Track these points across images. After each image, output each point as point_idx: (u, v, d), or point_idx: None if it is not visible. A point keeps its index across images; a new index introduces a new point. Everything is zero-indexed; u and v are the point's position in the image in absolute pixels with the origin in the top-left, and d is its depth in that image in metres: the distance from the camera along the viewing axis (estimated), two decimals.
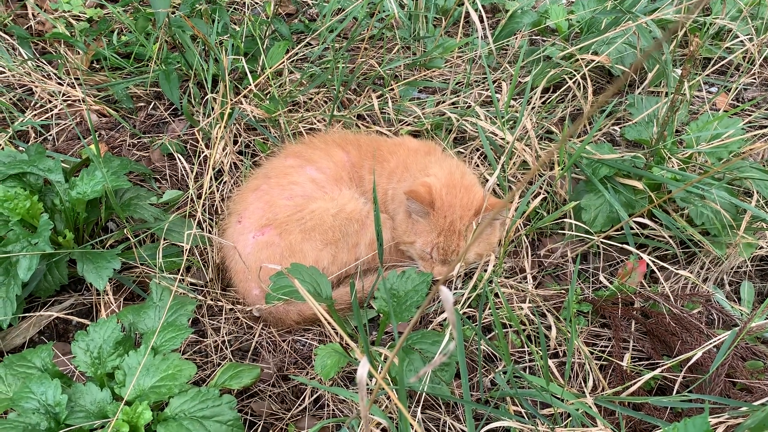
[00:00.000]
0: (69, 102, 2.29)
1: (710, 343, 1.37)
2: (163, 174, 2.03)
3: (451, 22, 2.63)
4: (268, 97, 2.08)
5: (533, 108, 2.00)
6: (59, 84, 2.29)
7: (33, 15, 2.69)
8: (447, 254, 1.63)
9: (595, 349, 1.54)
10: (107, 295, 1.63)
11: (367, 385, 1.45)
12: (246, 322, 1.67)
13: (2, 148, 1.97)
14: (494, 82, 2.23)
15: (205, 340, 1.63)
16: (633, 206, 1.63)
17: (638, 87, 1.91)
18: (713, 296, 1.60)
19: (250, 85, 1.93)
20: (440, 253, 1.63)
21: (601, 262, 1.67)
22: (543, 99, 2.06)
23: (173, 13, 1.99)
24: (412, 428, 1.20)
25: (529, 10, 2.45)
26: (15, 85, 2.30)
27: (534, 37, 2.16)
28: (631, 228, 1.64)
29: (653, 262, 1.52)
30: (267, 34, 2.33)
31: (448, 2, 2.68)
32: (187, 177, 1.87)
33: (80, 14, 2.70)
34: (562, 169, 1.70)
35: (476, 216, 1.59)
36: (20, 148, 2.00)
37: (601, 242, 1.66)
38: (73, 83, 2.34)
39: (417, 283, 1.43)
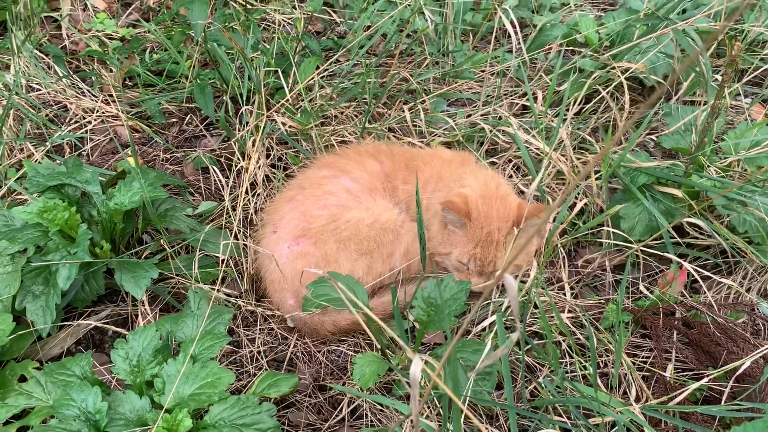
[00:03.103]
0: (103, 118, 2.32)
1: (758, 353, 1.34)
2: (197, 187, 2.04)
3: (480, 36, 2.64)
4: (300, 111, 2.10)
5: (566, 119, 1.99)
6: (93, 100, 2.33)
7: (67, 35, 2.75)
8: (484, 265, 1.61)
9: (636, 360, 1.51)
10: (143, 305, 1.63)
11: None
12: (281, 333, 1.66)
13: (40, 161, 2.00)
14: (525, 94, 2.23)
15: (240, 350, 1.62)
16: (673, 215, 1.60)
17: (673, 96, 1.90)
18: (758, 306, 1.57)
19: (286, 97, 1.94)
20: (477, 265, 1.61)
21: (640, 272, 1.64)
22: (576, 110, 2.05)
23: (208, 27, 2.02)
24: None
25: (558, 24, 2.45)
26: (51, 102, 2.34)
27: (565, 49, 2.15)
28: (671, 237, 1.61)
29: (695, 271, 1.49)
30: (297, 50, 2.36)
31: (476, 18, 2.70)
32: (222, 189, 1.88)
33: (113, 33, 2.75)
34: (599, 178, 1.69)
35: (515, 226, 1.58)
36: (57, 162, 2.03)
37: (641, 251, 1.63)
38: (107, 99, 2.38)
39: (455, 291, 1.41)
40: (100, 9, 2.90)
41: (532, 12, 2.77)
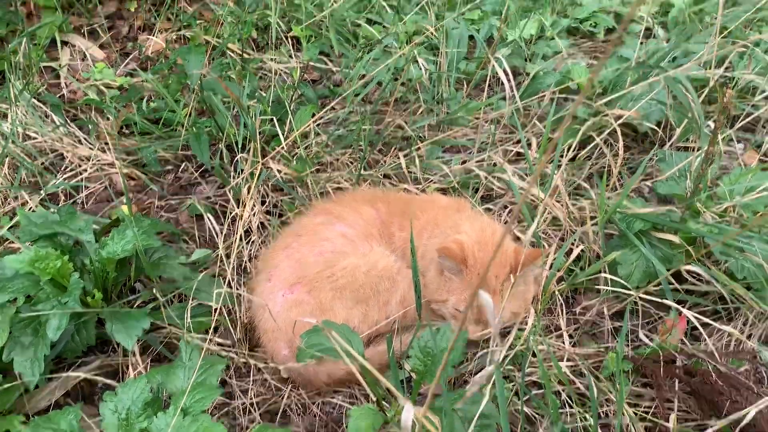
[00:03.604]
0: (99, 166, 2.32)
1: (762, 402, 1.31)
2: (191, 235, 2.03)
3: (474, 84, 2.67)
4: (295, 158, 2.10)
5: (561, 165, 2.00)
6: (90, 148, 2.33)
7: (65, 84, 2.78)
8: (481, 313, 1.59)
9: (638, 410, 1.48)
10: (134, 356, 1.60)
11: None
12: (274, 384, 1.63)
13: (34, 210, 1.99)
14: (520, 140, 2.24)
15: (232, 402, 1.59)
16: (670, 260, 1.59)
17: (667, 143, 1.91)
18: (760, 353, 1.54)
19: (281, 144, 1.95)
20: (474, 312, 1.59)
21: (639, 319, 1.62)
22: (570, 156, 2.05)
23: (205, 76, 2.04)
24: None
25: (550, 71, 2.49)
26: (47, 150, 2.35)
27: (558, 96, 2.18)
28: (670, 283, 1.59)
29: (695, 318, 1.47)
30: (293, 98, 2.38)
31: (470, 66, 2.74)
32: (216, 236, 1.87)
33: (111, 82, 2.78)
34: (595, 224, 1.68)
35: (512, 273, 1.56)
36: (51, 210, 2.02)
37: (640, 298, 1.61)
38: (103, 148, 2.39)
39: (452, 340, 1.39)
40: (99, 58, 2.94)
41: (525, 60, 2.82)
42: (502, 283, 1.58)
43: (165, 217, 2.15)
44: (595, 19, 3.18)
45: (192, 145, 2.05)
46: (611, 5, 3.31)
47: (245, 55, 2.59)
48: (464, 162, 2.16)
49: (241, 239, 1.86)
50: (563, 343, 1.62)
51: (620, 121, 1.77)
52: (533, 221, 1.65)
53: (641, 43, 2.98)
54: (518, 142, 2.27)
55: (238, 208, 1.87)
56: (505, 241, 1.64)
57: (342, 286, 1.61)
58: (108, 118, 2.53)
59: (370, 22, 3.09)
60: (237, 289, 1.73)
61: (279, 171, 1.91)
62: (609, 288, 1.61)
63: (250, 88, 2.06)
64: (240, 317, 1.73)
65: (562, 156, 2.04)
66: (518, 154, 2.23)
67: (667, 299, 1.55)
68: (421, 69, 2.30)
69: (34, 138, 2.35)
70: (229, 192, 1.90)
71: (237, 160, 1.96)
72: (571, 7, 3.29)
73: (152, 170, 2.32)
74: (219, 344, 1.67)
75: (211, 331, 1.64)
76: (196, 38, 2.09)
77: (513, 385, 1.51)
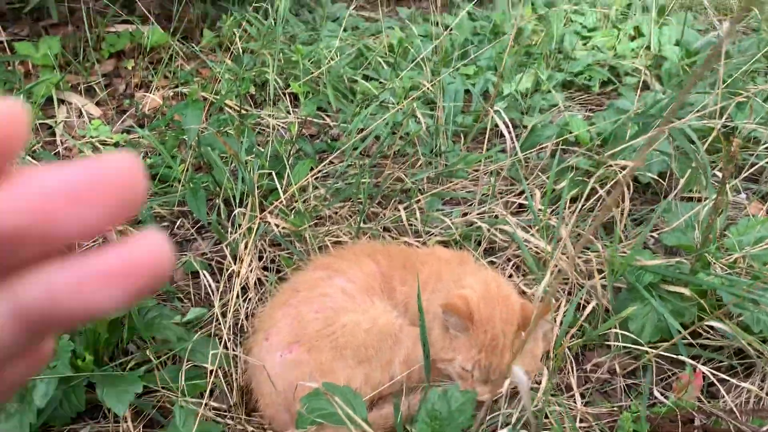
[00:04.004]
0: None
1: None
2: (186, 292, 1.97)
3: (472, 137, 2.67)
4: (293, 212, 2.07)
5: (564, 218, 1.97)
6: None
7: (61, 141, 2.76)
8: (490, 372, 1.52)
9: None
10: (126, 421, 1.52)
11: None
12: None
13: None
14: (522, 192, 2.22)
15: None
16: (682, 314, 1.54)
17: (672, 192, 1.89)
18: None
19: (279, 198, 1.92)
20: (482, 372, 1.53)
21: (653, 376, 1.56)
22: (572, 207, 2.03)
23: (202, 131, 2.02)
24: None
25: (548, 124, 2.49)
26: None
27: (557, 147, 2.17)
28: (683, 337, 1.54)
29: (711, 373, 1.42)
30: (291, 153, 2.36)
31: (467, 119, 2.74)
32: (212, 294, 1.81)
33: (107, 139, 2.77)
34: (603, 277, 1.64)
35: (519, 330, 1.51)
36: None
37: (655, 354, 1.55)
38: None
39: (461, 402, 1.33)
40: (95, 116, 2.94)
41: (522, 113, 2.83)
42: (510, 339, 1.52)
43: None
44: (590, 72, 3.21)
45: (189, 202, 2.01)
46: (605, 59, 3.35)
47: (243, 111, 2.59)
48: (465, 214, 2.13)
49: (237, 296, 1.81)
50: (575, 402, 1.55)
51: (625, 172, 1.75)
52: (540, 274, 1.61)
53: (638, 96, 3.01)
54: (520, 193, 2.24)
55: (235, 264, 1.82)
56: (511, 295, 1.60)
57: (342, 345, 1.55)
58: None
59: (366, 78, 3.12)
60: (233, 349, 1.66)
61: (277, 225, 1.87)
62: (620, 344, 1.55)
63: (248, 143, 2.04)
64: (236, 379, 1.65)
65: (565, 208, 2.02)
66: (520, 205, 2.20)
67: (680, 355, 1.49)
68: (419, 123, 2.30)
69: None
70: (226, 248, 1.85)
71: (234, 215, 1.92)
72: (565, 61, 3.34)
73: (148, 227, 2.28)
74: (214, 409, 1.60)
75: (206, 394, 1.57)
76: (193, 94, 2.09)
77: None
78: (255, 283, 1.91)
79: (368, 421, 1.32)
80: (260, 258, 2.00)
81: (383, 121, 2.33)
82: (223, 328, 1.69)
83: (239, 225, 1.84)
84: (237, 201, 1.98)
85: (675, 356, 1.48)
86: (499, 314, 1.54)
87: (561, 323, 1.54)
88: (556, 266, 1.76)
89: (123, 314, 1.53)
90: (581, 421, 1.49)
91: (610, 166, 1.81)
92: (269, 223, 1.87)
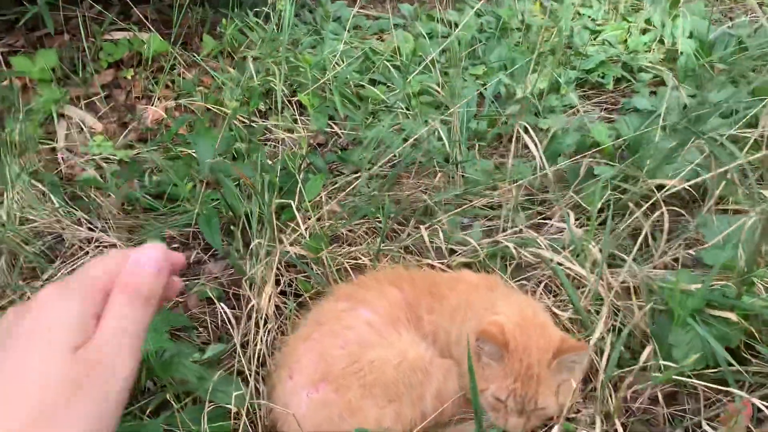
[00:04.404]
0: (101, 248, 2.21)
1: None
2: (201, 321, 1.90)
3: (485, 145, 2.59)
4: (308, 232, 1.99)
5: (594, 233, 1.89)
6: (90, 230, 2.21)
7: (63, 159, 2.68)
8: (525, 402, 1.45)
9: None
10: None
11: None
12: None
13: None
14: (544, 202, 2.15)
15: None
16: (728, 339, 1.47)
17: (705, 205, 1.80)
18: None
19: (293, 217, 1.84)
20: (517, 402, 1.45)
21: (701, 404, 1.49)
22: (599, 221, 1.95)
23: (214, 157, 1.94)
24: None
25: (567, 129, 2.40)
26: (45, 232, 2.23)
27: (582, 156, 2.09)
28: (729, 364, 1.46)
29: (762, 404, 1.34)
30: (302, 167, 2.28)
31: (481, 124, 2.66)
32: (230, 326, 1.74)
33: (110, 156, 2.68)
34: (641, 300, 1.57)
35: (555, 359, 1.44)
36: None
37: (694, 378, 1.47)
38: (104, 227, 2.27)
39: None
40: (97, 130, 2.85)
41: (535, 115, 2.74)
42: (546, 369, 1.45)
43: (173, 302, 2.02)
44: (603, 69, 3.12)
45: (203, 230, 1.93)
46: (617, 54, 3.26)
47: (251, 124, 2.50)
48: (491, 230, 2.05)
49: (257, 327, 1.73)
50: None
51: (664, 192, 1.67)
52: (573, 297, 1.54)
53: (653, 92, 2.92)
54: (541, 203, 2.17)
55: (253, 295, 1.74)
56: (548, 325, 1.52)
57: (371, 382, 1.48)
58: (109, 196, 2.42)
59: (373, 82, 3.03)
60: (255, 387, 1.59)
61: (295, 254, 1.79)
62: (660, 375, 1.47)
63: (260, 162, 1.95)
64: (261, 417, 1.58)
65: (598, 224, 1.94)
66: (542, 215, 2.12)
67: (728, 384, 1.42)
68: (436, 133, 2.22)
69: (32, 221, 2.23)
70: (246, 283, 1.77)
71: (252, 248, 1.82)
72: (576, 57, 3.24)
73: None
74: None
75: None
76: (204, 122, 1.99)
77: None
78: (274, 312, 1.83)
79: None
80: (277, 281, 1.92)
81: (398, 131, 2.24)
82: (245, 363, 1.61)
83: (257, 256, 1.76)
84: (254, 228, 1.89)
85: (722, 387, 1.41)
86: (536, 342, 1.47)
87: (605, 355, 1.45)
88: (588, 288, 1.68)
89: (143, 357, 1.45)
90: None
91: (645, 183, 1.73)
92: (285, 246, 1.79)
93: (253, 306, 1.67)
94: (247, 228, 1.85)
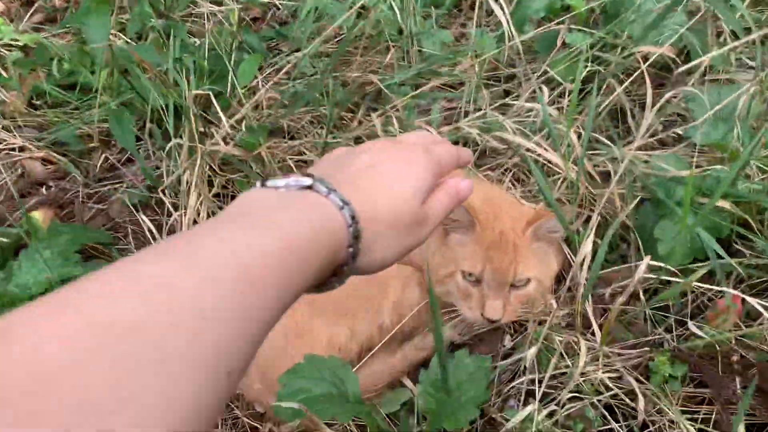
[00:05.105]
0: (6, 151, 1.92)
1: None
2: (125, 233, 1.67)
3: (444, 13, 2.29)
4: (244, 125, 1.72)
5: (563, 110, 1.67)
6: None
7: None
8: (502, 274, 1.25)
9: (696, 419, 1.23)
10: None
11: None
12: (248, 423, 1.33)
13: None
14: (510, 78, 1.90)
15: None
16: (720, 231, 1.31)
17: (692, 76, 1.57)
18: None
19: (227, 105, 1.57)
20: (496, 274, 1.25)
21: (689, 307, 1.35)
22: (569, 97, 1.72)
23: (110, 46, 1.62)
24: None
25: None
26: None
27: (551, 24, 1.82)
28: (719, 256, 1.31)
29: (759, 303, 1.20)
30: (234, 46, 1.97)
31: None
32: (153, 240, 1.52)
33: (12, 42, 2.31)
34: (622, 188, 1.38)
35: (530, 225, 1.24)
36: None
37: (677, 273, 1.32)
38: (10, 127, 1.97)
39: (473, 370, 1.10)
40: None
41: None
42: (521, 237, 1.26)
43: (95, 210, 1.78)
44: None
45: (113, 130, 1.64)
46: None
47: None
48: (447, 111, 1.82)
49: None
50: (593, 335, 1.34)
51: (652, 59, 1.43)
52: (545, 186, 1.35)
53: None
54: (508, 79, 1.92)
55: (176, 198, 1.50)
56: (516, 202, 1.34)
57: (319, 298, 1.29)
58: (13, 90, 2.09)
59: None
60: None
61: (224, 148, 1.53)
62: (650, 276, 1.30)
63: (178, 44, 1.64)
64: None
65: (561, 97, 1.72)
66: (506, 93, 1.88)
67: (718, 280, 1.27)
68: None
69: None
70: (162, 192, 1.52)
71: (170, 148, 1.55)
72: None
73: (74, 150, 1.92)
74: None
75: None
76: None
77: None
78: (208, 216, 1.60)
79: (362, 399, 1.10)
80: (209, 183, 1.68)
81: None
82: None
83: (176, 158, 1.50)
84: (171, 122, 1.60)
85: (710, 286, 1.26)
86: (507, 212, 1.28)
87: (581, 253, 1.27)
88: (559, 174, 1.49)
89: (46, 287, 1.23)
90: (603, 358, 1.29)
91: (633, 54, 1.48)
92: (217, 147, 1.53)
93: (178, 218, 1.43)
94: (167, 126, 1.57)
